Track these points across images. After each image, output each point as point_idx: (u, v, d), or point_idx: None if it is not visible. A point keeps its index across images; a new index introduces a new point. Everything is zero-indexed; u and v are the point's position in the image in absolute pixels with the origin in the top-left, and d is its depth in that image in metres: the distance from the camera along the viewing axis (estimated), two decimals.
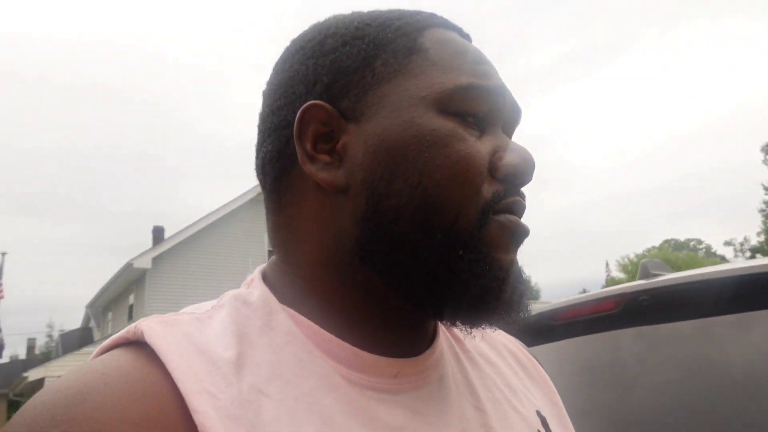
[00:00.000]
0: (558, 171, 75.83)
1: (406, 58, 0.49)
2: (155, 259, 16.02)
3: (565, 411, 0.62)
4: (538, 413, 0.57)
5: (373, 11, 0.54)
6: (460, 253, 0.45)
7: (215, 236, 16.50)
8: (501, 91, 0.51)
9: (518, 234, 0.48)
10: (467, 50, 0.51)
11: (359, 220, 0.47)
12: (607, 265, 44.62)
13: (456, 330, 0.56)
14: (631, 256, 40.03)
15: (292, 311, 0.47)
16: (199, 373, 0.39)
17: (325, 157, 0.48)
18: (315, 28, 0.54)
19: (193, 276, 15.84)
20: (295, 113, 0.49)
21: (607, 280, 42.56)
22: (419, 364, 0.49)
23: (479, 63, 0.51)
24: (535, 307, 1.57)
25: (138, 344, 0.41)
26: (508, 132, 0.53)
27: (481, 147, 0.47)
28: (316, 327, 0.46)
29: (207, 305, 0.47)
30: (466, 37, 0.55)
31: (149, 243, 18.31)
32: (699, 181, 68.97)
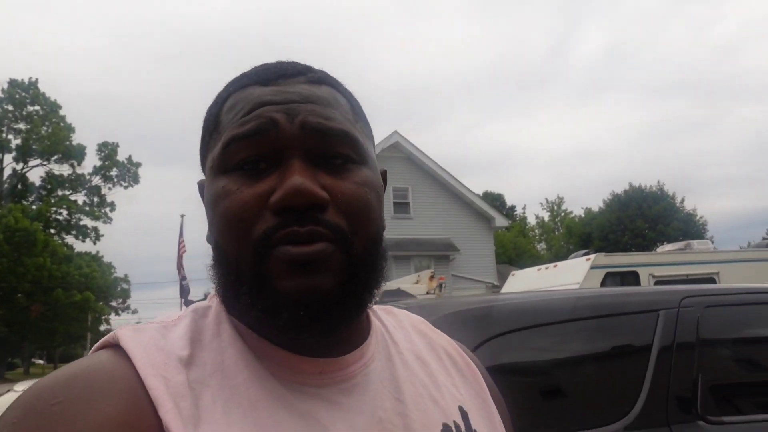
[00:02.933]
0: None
1: (212, 136, 0.58)
2: None
3: (495, 409, 0.66)
4: (461, 408, 0.62)
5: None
6: (244, 288, 0.52)
7: None
8: (264, 128, 0.52)
9: (295, 262, 0.50)
10: (244, 104, 0.55)
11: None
12: None
13: (398, 335, 0.66)
14: None
15: (236, 321, 0.56)
16: (157, 363, 0.50)
17: None
18: None
19: None
20: None
21: None
22: (343, 362, 0.56)
23: (250, 111, 0.54)
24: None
25: (115, 346, 0.53)
26: (324, 152, 0.53)
27: (248, 193, 0.52)
28: (253, 334, 0.55)
29: (176, 315, 0.59)
30: (271, 78, 0.56)
31: None
32: None
